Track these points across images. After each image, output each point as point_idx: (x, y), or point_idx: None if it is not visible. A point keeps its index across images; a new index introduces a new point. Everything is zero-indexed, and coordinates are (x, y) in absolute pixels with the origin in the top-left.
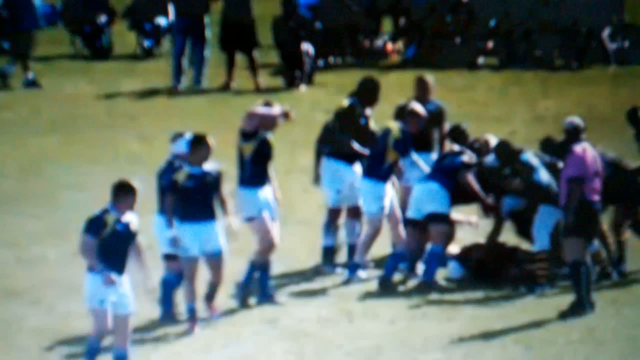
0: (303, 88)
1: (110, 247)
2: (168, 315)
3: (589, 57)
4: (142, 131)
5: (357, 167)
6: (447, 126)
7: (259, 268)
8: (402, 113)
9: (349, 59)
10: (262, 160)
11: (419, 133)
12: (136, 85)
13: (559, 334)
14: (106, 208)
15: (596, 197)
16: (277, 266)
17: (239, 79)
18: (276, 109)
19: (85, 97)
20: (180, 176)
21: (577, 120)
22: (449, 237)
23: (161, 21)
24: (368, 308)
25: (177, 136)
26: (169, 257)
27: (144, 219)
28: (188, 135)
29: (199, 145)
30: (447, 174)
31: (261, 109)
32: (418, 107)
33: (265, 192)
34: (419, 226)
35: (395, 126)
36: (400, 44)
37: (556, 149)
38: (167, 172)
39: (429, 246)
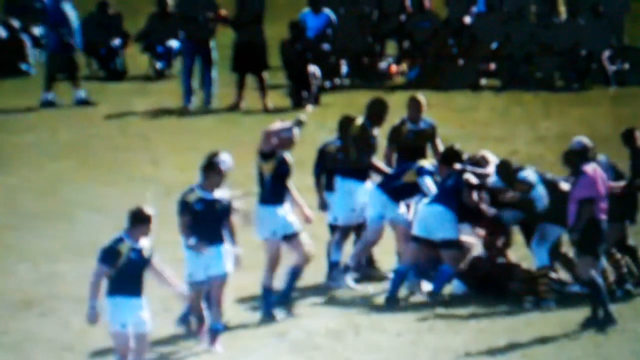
0: (310, 108)
1: (126, 274)
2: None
3: (589, 78)
4: (154, 151)
5: (369, 185)
6: (439, 142)
7: (265, 288)
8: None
9: (355, 80)
10: (281, 179)
11: (412, 149)
12: (148, 105)
13: (564, 349)
14: (120, 237)
15: (603, 216)
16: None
17: (248, 99)
18: (288, 123)
19: (99, 117)
20: (191, 197)
21: (585, 139)
22: (461, 258)
23: (173, 44)
24: (375, 321)
25: (214, 155)
26: None
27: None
28: (225, 156)
29: (210, 171)
30: (451, 195)
31: (276, 125)
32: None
33: (284, 210)
34: (425, 243)
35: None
36: (404, 66)
37: (510, 174)
38: None
39: (441, 264)
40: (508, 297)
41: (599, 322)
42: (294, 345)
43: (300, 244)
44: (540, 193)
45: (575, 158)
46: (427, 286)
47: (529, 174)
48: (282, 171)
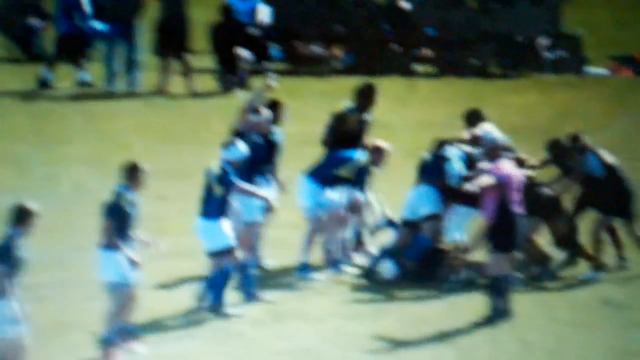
0: (239, 93)
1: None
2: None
3: (525, 65)
4: (77, 136)
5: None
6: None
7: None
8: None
9: (286, 64)
10: (255, 162)
11: (353, 138)
12: (72, 88)
13: (487, 335)
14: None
15: (517, 211)
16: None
17: (176, 83)
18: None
19: (18, 100)
20: (125, 201)
21: (497, 136)
22: (439, 234)
23: (97, 26)
24: (297, 309)
25: (229, 143)
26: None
27: None
28: (240, 144)
29: (136, 172)
30: (432, 173)
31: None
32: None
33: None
34: (413, 226)
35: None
36: (338, 51)
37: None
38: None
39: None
40: (438, 283)
41: (494, 318)
42: (214, 334)
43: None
44: (456, 169)
45: (490, 155)
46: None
47: (451, 149)
48: (256, 154)
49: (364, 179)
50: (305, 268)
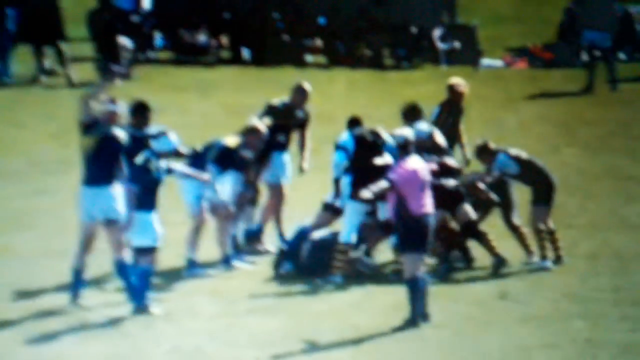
0: (119, 83)
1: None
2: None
3: (419, 57)
4: None
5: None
6: (308, 133)
7: (75, 270)
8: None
9: (170, 54)
10: (108, 157)
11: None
12: None
13: (384, 331)
14: None
15: (425, 211)
16: (95, 268)
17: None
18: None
19: None
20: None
21: (407, 132)
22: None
23: None
24: (189, 306)
25: (159, 134)
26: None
27: None
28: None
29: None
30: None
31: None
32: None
33: (109, 193)
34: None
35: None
36: (225, 40)
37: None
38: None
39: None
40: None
41: (414, 321)
42: (101, 332)
43: (116, 233)
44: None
45: (399, 151)
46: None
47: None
48: (109, 148)
49: (231, 162)
50: (192, 265)
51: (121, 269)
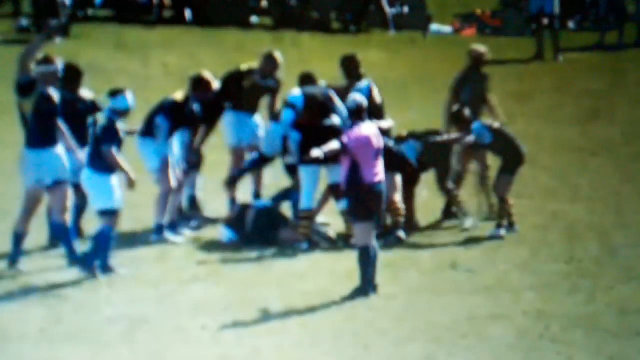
0: (58, 40)
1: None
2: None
3: (367, 21)
4: None
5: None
6: (277, 103)
7: (16, 234)
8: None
9: (110, 11)
10: (47, 118)
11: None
12: None
13: (336, 298)
14: None
15: (377, 179)
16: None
17: None
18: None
19: None
20: None
21: (359, 98)
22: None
23: None
24: (133, 274)
25: (117, 92)
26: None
27: None
28: (128, 93)
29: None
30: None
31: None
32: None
33: (53, 155)
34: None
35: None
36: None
37: None
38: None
39: None
40: (278, 246)
41: (365, 290)
42: (42, 297)
43: (63, 195)
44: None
45: (352, 117)
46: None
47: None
48: (46, 109)
49: (182, 117)
50: (159, 230)
51: (63, 232)
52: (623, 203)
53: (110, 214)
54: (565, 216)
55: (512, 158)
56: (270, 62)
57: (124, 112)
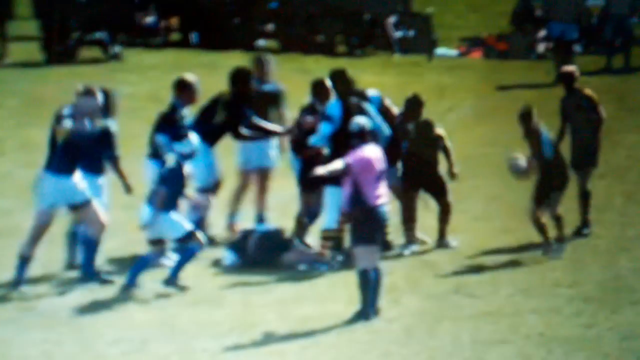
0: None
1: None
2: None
3: (372, 45)
4: None
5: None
6: (284, 108)
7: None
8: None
9: (122, 36)
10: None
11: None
12: None
13: (336, 324)
14: None
15: (379, 201)
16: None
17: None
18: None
19: None
20: None
21: (363, 120)
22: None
23: None
24: (133, 295)
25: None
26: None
27: None
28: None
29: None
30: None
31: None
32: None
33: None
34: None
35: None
36: (175, 22)
37: None
38: None
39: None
40: (281, 268)
41: (365, 313)
42: (43, 320)
43: (92, 211)
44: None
45: (354, 140)
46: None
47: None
48: (78, 142)
49: (172, 126)
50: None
51: (90, 246)
52: (627, 226)
53: (187, 237)
54: (569, 239)
55: (562, 175)
56: (259, 65)
57: (190, 156)
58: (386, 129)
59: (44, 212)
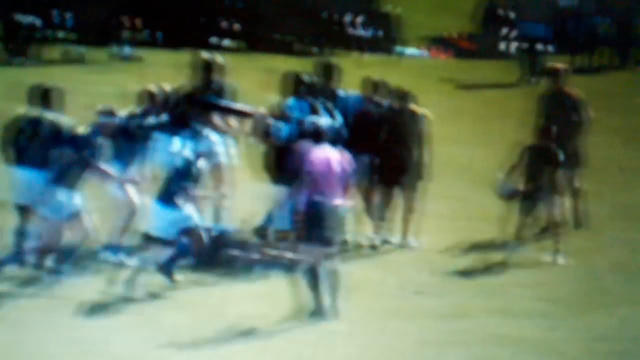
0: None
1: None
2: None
3: (332, 43)
4: None
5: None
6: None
7: None
8: None
9: (77, 33)
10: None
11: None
12: None
13: (290, 326)
14: None
15: (334, 202)
16: None
17: None
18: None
19: None
20: None
21: (317, 120)
22: None
23: None
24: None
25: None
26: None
27: None
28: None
29: None
30: None
31: None
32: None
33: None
34: None
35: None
36: (138, 21)
37: None
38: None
39: None
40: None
41: (321, 312)
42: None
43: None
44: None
45: (310, 140)
46: None
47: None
48: (88, 156)
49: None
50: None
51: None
52: (602, 226)
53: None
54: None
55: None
56: (206, 67)
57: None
58: (344, 131)
59: (49, 222)
